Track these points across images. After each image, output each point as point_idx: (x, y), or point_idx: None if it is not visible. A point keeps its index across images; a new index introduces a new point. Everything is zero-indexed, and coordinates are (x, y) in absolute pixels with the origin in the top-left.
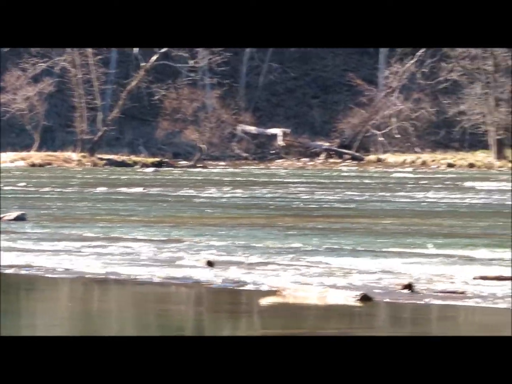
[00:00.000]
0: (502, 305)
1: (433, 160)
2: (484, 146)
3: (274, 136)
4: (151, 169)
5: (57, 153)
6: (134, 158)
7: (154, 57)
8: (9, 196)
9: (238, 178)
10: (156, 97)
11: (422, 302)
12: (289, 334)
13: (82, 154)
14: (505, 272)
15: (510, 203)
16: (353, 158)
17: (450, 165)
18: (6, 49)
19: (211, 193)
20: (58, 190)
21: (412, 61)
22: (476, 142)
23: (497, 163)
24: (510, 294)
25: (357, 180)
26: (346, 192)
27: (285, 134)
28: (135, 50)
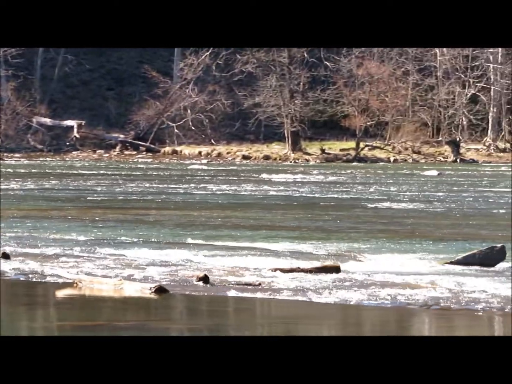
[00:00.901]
0: (295, 297)
1: (229, 152)
2: (280, 138)
3: (69, 128)
4: None
5: None
6: None
7: None
8: None
9: (35, 170)
10: None
11: (217, 294)
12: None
13: None
14: (302, 264)
15: (308, 195)
16: (149, 150)
17: (245, 157)
18: None
19: (10, 185)
20: None
21: (207, 53)
22: (271, 134)
23: (292, 155)
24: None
25: (154, 172)
26: (146, 184)
27: (80, 126)
28: None
